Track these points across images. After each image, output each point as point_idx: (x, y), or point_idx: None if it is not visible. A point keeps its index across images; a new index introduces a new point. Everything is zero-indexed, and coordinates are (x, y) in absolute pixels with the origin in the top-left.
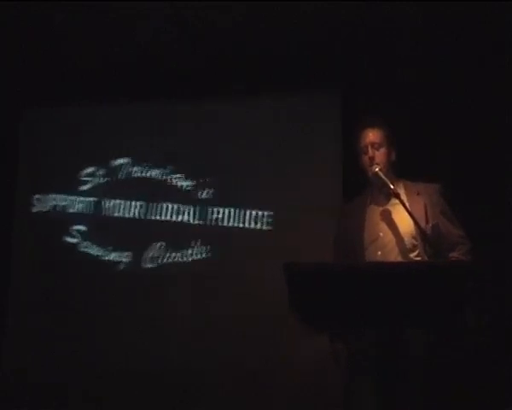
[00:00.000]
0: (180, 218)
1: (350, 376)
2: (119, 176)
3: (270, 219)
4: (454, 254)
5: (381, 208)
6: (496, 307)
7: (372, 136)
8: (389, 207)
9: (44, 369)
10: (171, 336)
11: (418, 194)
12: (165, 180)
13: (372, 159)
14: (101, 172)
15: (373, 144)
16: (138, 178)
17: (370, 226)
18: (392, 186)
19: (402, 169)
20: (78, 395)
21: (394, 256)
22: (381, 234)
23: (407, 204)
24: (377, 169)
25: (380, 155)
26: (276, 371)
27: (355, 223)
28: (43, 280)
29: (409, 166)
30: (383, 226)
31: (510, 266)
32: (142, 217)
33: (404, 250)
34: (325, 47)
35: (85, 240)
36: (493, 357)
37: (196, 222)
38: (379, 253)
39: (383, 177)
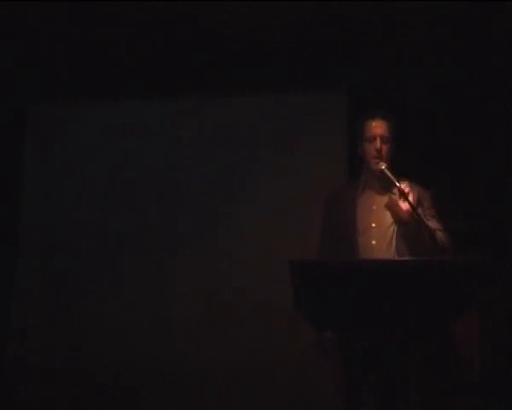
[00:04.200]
0: (180, 222)
1: (343, 366)
2: (122, 175)
3: (272, 219)
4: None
5: (374, 199)
6: (497, 307)
7: (384, 128)
8: (383, 198)
9: (46, 370)
10: (171, 336)
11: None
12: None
13: (379, 151)
14: (104, 170)
15: (382, 137)
16: (139, 177)
17: (363, 214)
18: (397, 184)
19: (403, 168)
20: (79, 395)
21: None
22: (374, 225)
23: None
24: (383, 167)
25: (386, 149)
26: (276, 371)
27: (346, 210)
28: (46, 280)
29: (410, 166)
30: (376, 216)
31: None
32: (145, 216)
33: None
34: (331, 46)
35: (88, 239)
36: (493, 357)
37: (192, 224)
38: (373, 242)
39: (390, 175)
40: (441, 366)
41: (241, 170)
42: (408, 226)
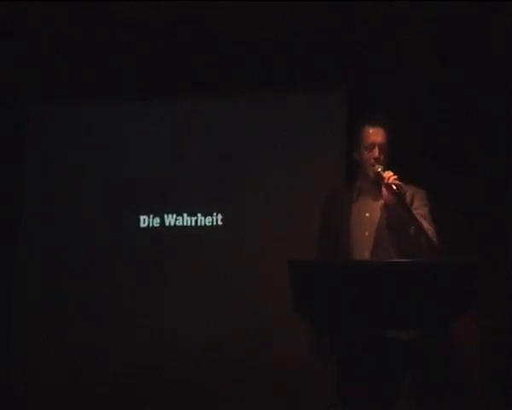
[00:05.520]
0: (180, 222)
1: (343, 375)
2: (122, 175)
3: (272, 219)
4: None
5: (369, 205)
6: (497, 307)
7: (382, 136)
8: (378, 204)
9: (46, 370)
10: (171, 336)
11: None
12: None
13: (377, 160)
14: (104, 170)
15: (380, 145)
16: (140, 177)
17: (357, 222)
18: (394, 187)
19: (403, 169)
20: (79, 395)
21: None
22: (367, 233)
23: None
24: (379, 169)
25: (384, 157)
26: (276, 371)
27: (341, 217)
28: (47, 280)
29: (409, 166)
30: (369, 224)
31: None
32: (145, 216)
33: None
34: (331, 46)
35: (88, 239)
36: (493, 357)
37: (192, 224)
38: (366, 253)
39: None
40: (440, 365)
41: (241, 170)
42: (396, 219)
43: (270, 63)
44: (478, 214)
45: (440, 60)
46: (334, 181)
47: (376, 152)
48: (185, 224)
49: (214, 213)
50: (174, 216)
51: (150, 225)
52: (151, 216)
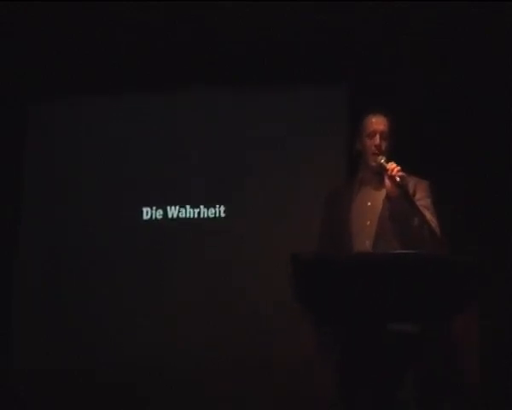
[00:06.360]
0: (180, 218)
1: (345, 368)
2: (122, 174)
3: (272, 218)
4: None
5: (370, 195)
6: (497, 307)
7: (384, 124)
8: (380, 193)
9: (46, 370)
10: (171, 335)
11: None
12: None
13: (379, 147)
14: (104, 169)
15: (382, 133)
16: (140, 177)
17: (358, 213)
18: (398, 179)
19: (403, 168)
20: (79, 395)
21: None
22: (368, 222)
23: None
24: (382, 160)
25: (385, 145)
26: (276, 371)
27: (342, 211)
28: (47, 280)
29: (409, 166)
30: (370, 213)
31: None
32: (146, 215)
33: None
34: (331, 45)
35: (88, 239)
36: (493, 356)
37: (194, 222)
38: (367, 242)
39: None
40: (441, 365)
41: (241, 169)
42: (399, 210)
43: (270, 63)
44: (478, 214)
45: (440, 60)
46: (334, 181)
47: (377, 139)
48: (185, 223)
49: (214, 213)
50: (174, 215)
51: (151, 223)
52: (152, 215)
